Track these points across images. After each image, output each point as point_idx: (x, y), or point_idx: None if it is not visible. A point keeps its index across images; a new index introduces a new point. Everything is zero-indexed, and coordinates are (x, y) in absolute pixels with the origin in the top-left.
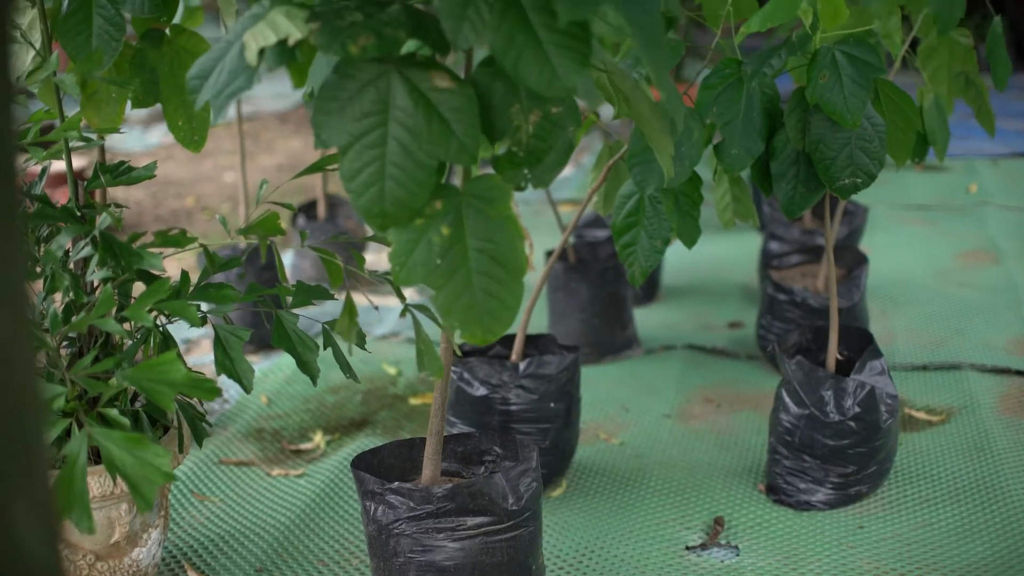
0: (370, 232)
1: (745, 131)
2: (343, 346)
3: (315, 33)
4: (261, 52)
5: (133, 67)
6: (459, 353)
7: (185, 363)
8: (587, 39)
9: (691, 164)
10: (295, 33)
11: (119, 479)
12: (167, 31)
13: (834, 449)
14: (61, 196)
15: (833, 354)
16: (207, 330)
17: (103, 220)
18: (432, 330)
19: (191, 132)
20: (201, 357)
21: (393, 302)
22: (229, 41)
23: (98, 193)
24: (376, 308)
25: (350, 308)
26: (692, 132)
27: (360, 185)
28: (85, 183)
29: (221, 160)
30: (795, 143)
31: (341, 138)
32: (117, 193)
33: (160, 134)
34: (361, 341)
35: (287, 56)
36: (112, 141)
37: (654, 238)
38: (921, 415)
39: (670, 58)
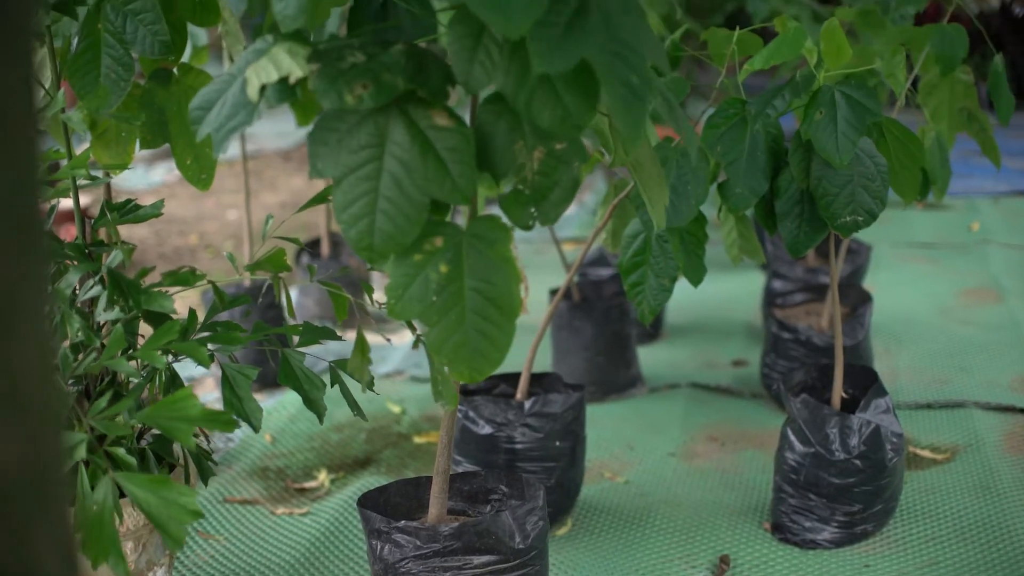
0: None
1: (749, 170)
2: (354, 385)
3: (314, 76)
4: (263, 88)
5: (142, 106)
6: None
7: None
8: (594, 80)
9: (697, 203)
10: (296, 71)
11: (126, 518)
12: (175, 70)
13: (840, 487)
14: (66, 234)
15: (838, 392)
16: (212, 368)
17: (113, 257)
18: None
19: (199, 170)
20: (205, 396)
21: (396, 340)
22: (232, 75)
23: (103, 231)
24: (389, 340)
25: (362, 346)
26: (698, 171)
27: (351, 217)
28: (92, 221)
29: (224, 198)
30: (799, 182)
31: (336, 169)
32: (121, 231)
33: (163, 172)
34: (370, 382)
35: (288, 94)
36: (116, 179)
37: (661, 276)
38: (926, 453)
39: (644, 117)
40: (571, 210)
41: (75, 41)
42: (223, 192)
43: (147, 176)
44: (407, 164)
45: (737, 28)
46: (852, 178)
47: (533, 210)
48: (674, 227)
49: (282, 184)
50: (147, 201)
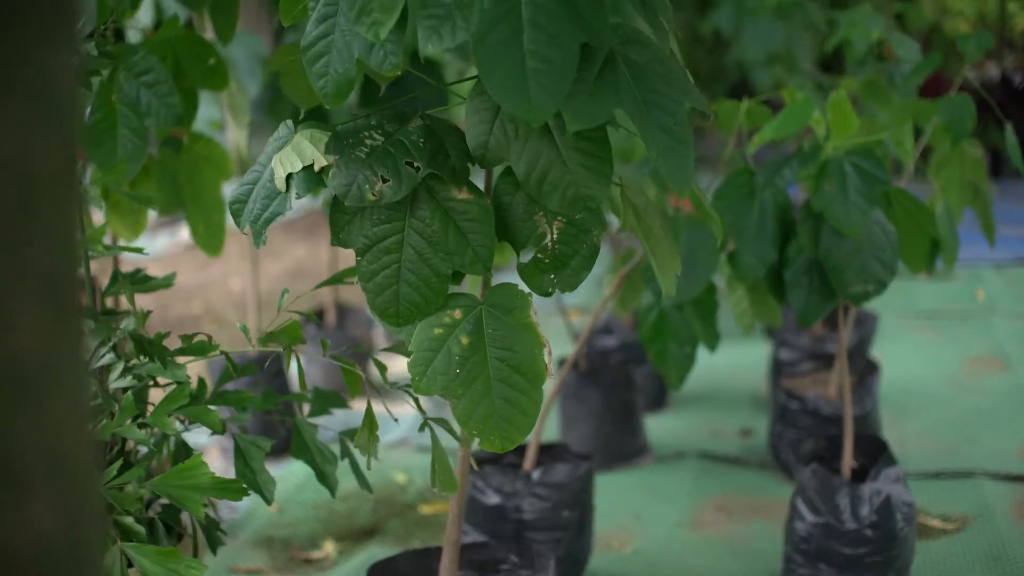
0: (378, 340)
1: (758, 240)
2: (360, 458)
3: (333, 170)
4: (289, 177)
5: (156, 176)
6: (476, 468)
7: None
8: (609, 159)
9: (708, 272)
10: (320, 160)
11: None
12: (185, 138)
13: (850, 558)
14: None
15: (848, 462)
16: (216, 438)
17: (128, 323)
18: (448, 441)
19: (210, 237)
20: (211, 465)
21: (401, 409)
22: (262, 164)
23: (111, 300)
24: (396, 420)
25: (370, 421)
26: (709, 241)
27: (376, 286)
28: (104, 289)
29: (227, 267)
30: (808, 251)
31: (358, 241)
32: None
33: (166, 240)
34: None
35: (314, 181)
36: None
37: (683, 344)
38: (936, 523)
39: (691, 162)
40: None
41: (88, 111)
42: (226, 261)
43: (150, 244)
44: (428, 236)
45: (744, 98)
46: (862, 247)
47: (553, 277)
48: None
49: (285, 253)
50: (151, 269)
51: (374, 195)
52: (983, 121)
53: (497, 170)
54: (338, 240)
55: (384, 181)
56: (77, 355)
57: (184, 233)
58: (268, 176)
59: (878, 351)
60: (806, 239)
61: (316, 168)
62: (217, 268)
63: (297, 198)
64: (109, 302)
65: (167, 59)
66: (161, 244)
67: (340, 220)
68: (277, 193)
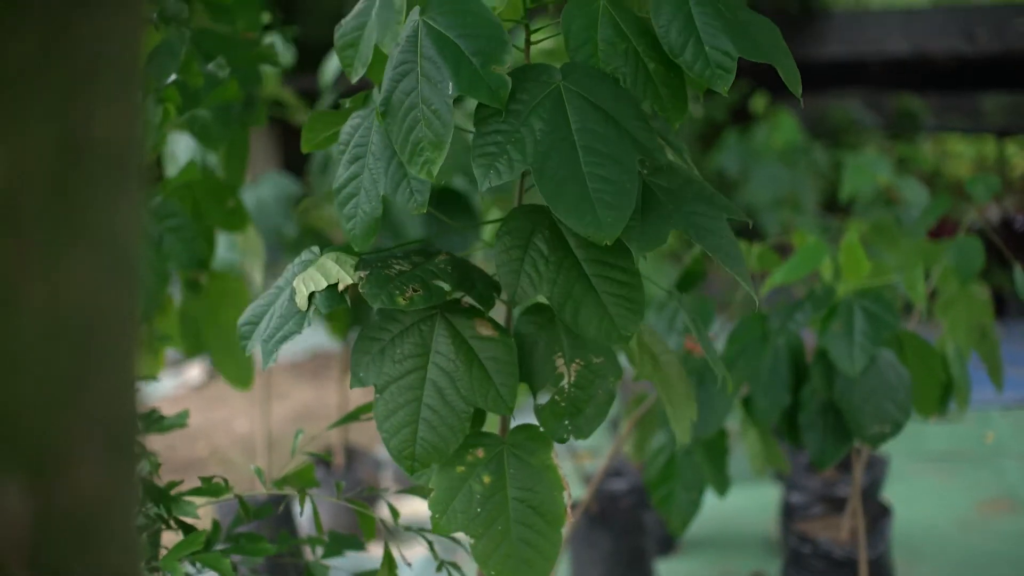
0: (386, 483)
1: (772, 384)
2: None
3: (363, 282)
4: (311, 296)
5: (179, 318)
6: None
7: None
8: (641, 289)
9: (722, 415)
10: (346, 278)
11: None
12: (204, 278)
13: None
14: None
15: None
16: None
17: (142, 467)
18: None
19: (238, 372)
20: None
21: (411, 552)
22: (280, 287)
23: None
24: (410, 565)
25: (390, 562)
26: (722, 385)
27: (393, 427)
28: None
29: (232, 409)
30: (822, 394)
31: (379, 378)
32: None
33: (172, 381)
34: None
35: (337, 300)
36: None
37: (690, 490)
38: None
39: (745, 262)
40: None
41: None
42: (233, 402)
43: (157, 386)
44: (451, 374)
45: (752, 241)
46: (877, 388)
47: (568, 423)
48: (699, 439)
49: (293, 395)
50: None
51: (404, 300)
52: (988, 262)
53: (517, 310)
54: (358, 380)
55: (415, 291)
56: (133, 500)
57: (191, 374)
58: (286, 297)
59: (889, 494)
60: (820, 381)
61: (340, 287)
62: (222, 410)
63: (318, 315)
64: None
65: (187, 202)
66: (167, 386)
67: (361, 359)
68: (295, 313)
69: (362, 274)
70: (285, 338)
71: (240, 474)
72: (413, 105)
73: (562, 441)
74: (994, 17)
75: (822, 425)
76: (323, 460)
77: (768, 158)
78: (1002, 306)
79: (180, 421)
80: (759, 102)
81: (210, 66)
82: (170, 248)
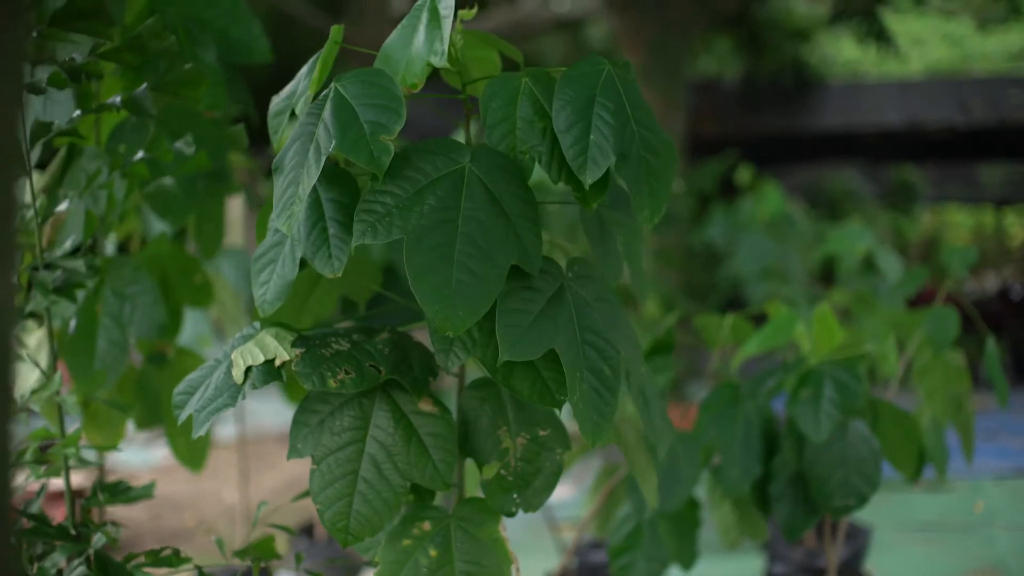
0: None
1: (744, 454)
2: None
3: (298, 360)
4: (248, 370)
5: (137, 388)
6: None
7: None
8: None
9: (688, 485)
10: (282, 354)
11: None
12: (170, 352)
13: None
14: (60, 513)
15: None
16: None
17: (98, 539)
18: None
19: (191, 452)
20: None
21: None
22: (218, 360)
23: (96, 511)
24: None
25: None
26: (689, 455)
27: (328, 499)
28: (84, 500)
29: (223, 478)
30: (792, 465)
31: (316, 450)
32: (117, 511)
33: (162, 451)
34: None
35: (273, 376)
36: (115, 457)
37: (652, 561)
38: None
39: (613, 411)
40: (569, 492)
41: (72, 323)
42: (222, 472)
43: (146, 455)
44: (389, 448)
45: (728, 313)
46: (846, 460)
47: (516, 496)
48: (667, 511)
49: (281, 466)
50: (146, 479)
51: (335, 383)
52: (976, 334)
53: (468, 383)
54: (295, 451)
55: (347, 374)
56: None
57: None
58: (223, 369)
59: (875, 565)
60: (790, 452)
61: (277, 363)
62: (211, 481)
63: (253, 388)
64: (95, 513)
65: (155, 274)
66: (157, 456)
67: (300, 431)
68: (230, 386)
69: (298, 352)
70: (217, 410)
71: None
72: (297, 165)
73: (510, 515)
74: (988, 89)
75: (792, 496)
76: (289, 532)
77: (754, 229)
78: None
79: (146, 492)
80: (745, 174)
81: (178, 144)
82: (129, 316)
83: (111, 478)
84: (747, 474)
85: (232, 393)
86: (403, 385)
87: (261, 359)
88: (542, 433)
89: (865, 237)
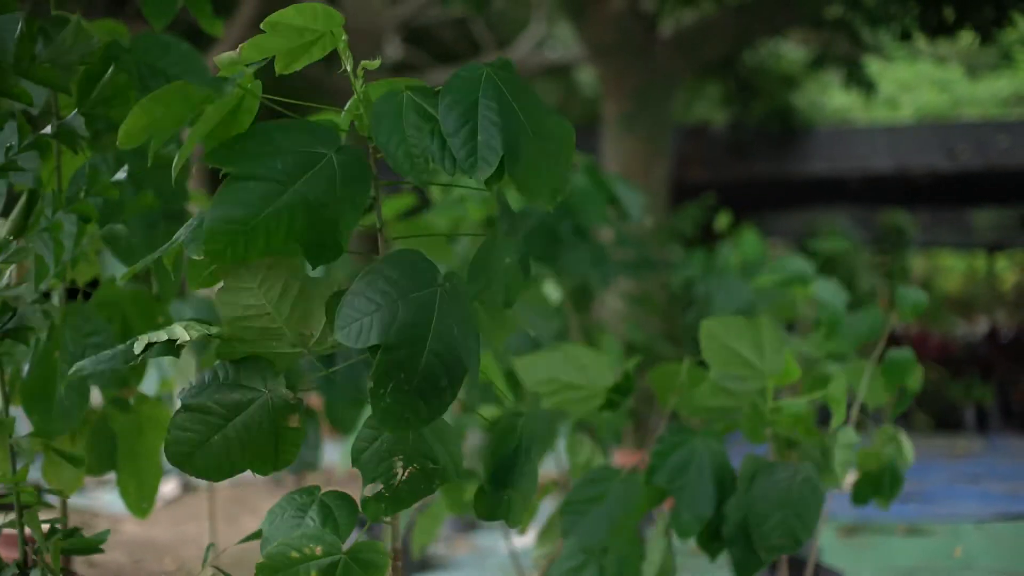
0: None
1: (697, 497)
2: None
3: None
4: (149, 344)
5: (94, 433)
6: None
7: None
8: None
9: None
10: (184, 336)
11: None
12: (131, 399)
13: None
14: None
15: None
16: None
17: None
18: None
19: (139, 499)
20: None
21: None
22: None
23: (63, 560)
24: None
25: None
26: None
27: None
28: (33, 547)
29: (206, 523)
30: (744, 508)
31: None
32: (96, 554)
33: None
34: None
35: (170, 350)
36: (93, 501)
37: None
38: None
39: None
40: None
41: (26, 366)
42: (205, 518)
43: None
44: None
45: (686, 360)
46: (789, 504)
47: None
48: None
49: (264, 510)
50: (127, 526)
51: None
52: (968, 377)
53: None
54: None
55: None
56: None
57: (165, 488)
58: (128, 343)
59: None
60: (743, 495)
61: (178, 343)
62: (194, 525)
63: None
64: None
65: (115, 317)
66: None
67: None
68: (128, 354)
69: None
70: (109, 367)
71: None
72: None
73: (375, 520)
74: (976, 134)
75: (744, 538)
76: None
77: (730, 274)
78: (984, 421)
79: (98, 540)
80: (723, 219)
81: (118, 175)
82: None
83: (98, 521)
84: (699, 518)
85: (126, 357)
86: None
87: (164, 338)
88: (432, 466)
89: (801, 266)
